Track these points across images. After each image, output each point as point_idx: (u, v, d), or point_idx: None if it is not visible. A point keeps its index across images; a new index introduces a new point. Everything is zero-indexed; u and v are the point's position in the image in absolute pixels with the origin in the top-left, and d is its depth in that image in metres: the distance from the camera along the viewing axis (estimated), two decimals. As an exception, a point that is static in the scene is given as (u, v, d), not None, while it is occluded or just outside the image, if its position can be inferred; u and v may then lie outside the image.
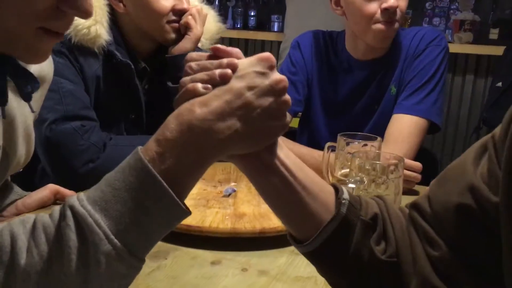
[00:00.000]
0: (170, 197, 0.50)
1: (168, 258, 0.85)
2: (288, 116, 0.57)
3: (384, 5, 1.30)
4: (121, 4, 1.21)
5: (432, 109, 1.34)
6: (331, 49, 1.51)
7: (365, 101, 1.48)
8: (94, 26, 1.15)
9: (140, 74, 1.26)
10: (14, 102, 0.71)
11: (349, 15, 1.39)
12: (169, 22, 1.22)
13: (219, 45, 0.56)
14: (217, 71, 0.53)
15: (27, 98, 0.66)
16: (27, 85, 0.64)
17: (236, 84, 0.53)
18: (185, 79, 0.55)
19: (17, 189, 0.97)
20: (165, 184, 0.49)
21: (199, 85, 0.53)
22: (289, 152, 0.59)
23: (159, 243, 0.87)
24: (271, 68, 0.54)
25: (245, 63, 0.55)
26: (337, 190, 0.60)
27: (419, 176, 1.19)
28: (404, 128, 1.32)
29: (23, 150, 0.77)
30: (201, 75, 0.54)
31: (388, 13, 1.30)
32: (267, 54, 0.55)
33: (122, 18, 1.23)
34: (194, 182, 0.54)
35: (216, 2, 3.64)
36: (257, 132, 0.54)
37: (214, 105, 0.51)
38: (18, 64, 0.63)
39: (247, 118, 0.52)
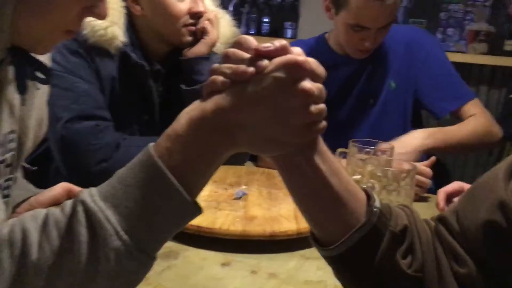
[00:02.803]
0: (180, 194, 0.50)
1: (179, 258, 0.85)
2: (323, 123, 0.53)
3: (364, 44, 1.41)
4: (138, 7, 1.22)
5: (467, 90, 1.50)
6: (315, 49, 1.56)
7: (357, 96, 1.52)
8: (111, 27, 1.16)
9: (155, 76, 1.27)
10: (32, 87, 0.73)
11: (336, 31, 1.50)
12: (185, 25, 1.23)
13: (265, 44, 0.52)
14: (235, 68, 0.51)
15: (45, 82, 0.68)
16: (36, 72, 0.66)
17: (253, 83, 0.51)
18: (215, 66, 0.53)
19: (30, 187, 0.98)
20: (175, 180, 0.49)
21: (219, 79, 0.51)
22: (328, 157, 0.55)
23: (170, 243, 0.89)
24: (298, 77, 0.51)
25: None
26: (369, 197, 0.58)
27: (428, 182, 1.20)
28: (474, 110, 1.44)
29: (34, 133, 0.78)
30: (226, 67, 0.52)
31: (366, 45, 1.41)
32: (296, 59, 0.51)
33: (139, 21, 1.25)
34: (205, 180, 0.53)
35: (230, 8, 3.66)
36: (269, 132, 0.51)
37: (226, 102, 0.50)
38: (30, 55, 0.64)
39: (260, 118, 0.50)
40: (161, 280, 0.78)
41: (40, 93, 0.78)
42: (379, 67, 1.52)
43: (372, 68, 1.52)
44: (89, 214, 0.49)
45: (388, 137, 1.36)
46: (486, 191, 0.53)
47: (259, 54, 0.51)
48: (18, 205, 0.92)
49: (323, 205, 0.56)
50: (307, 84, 0.50)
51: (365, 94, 1.53)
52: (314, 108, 0.51)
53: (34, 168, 1.23)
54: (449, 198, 1.08)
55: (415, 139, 1.33)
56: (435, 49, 1.53)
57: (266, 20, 3.63)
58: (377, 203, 0.57)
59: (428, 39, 1.55)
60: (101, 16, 0.61)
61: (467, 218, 0.54)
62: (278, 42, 0.51)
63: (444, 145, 1.35)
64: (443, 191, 1.08)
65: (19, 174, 0.96)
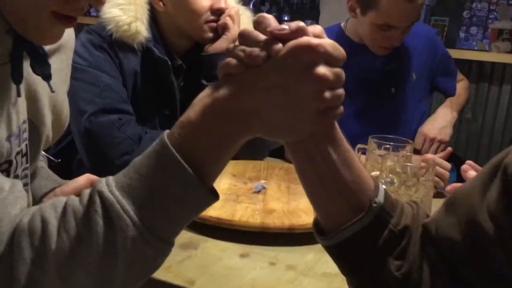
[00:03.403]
0: (194, 181, 0.49)
1: (198, 249, 0.87)
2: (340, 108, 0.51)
3: (390, 42, 1.50)
4: (161, 3, 1.24)
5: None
6: (336, 39, 1.55)
7: (377, 84, 1.58)
8: (134, 23, 1.19)
9: (176, 71, 1.29)
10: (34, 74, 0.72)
11: (359, 29, 1.56)
12: (207, 21, 1.25)
13: (280, 26, 0.49)
14: (248, 51, 0.49)
15: (43, 77, 0.66)
16: (38, 66, 0.65)
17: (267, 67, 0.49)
18: (231, 46, 0.51)
19: (55, 178, 1.01)
20: (188, 167, 0.49)
21: (233, 62, 0.50)
22: (342, 146, 0.54)
23: (190, 234, 0.90)
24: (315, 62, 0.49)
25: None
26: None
27: (447, 174, 1.25)
28: (460, 76, 1.82)
29: (50, 120, 0.77)
30: (240, 49, 0.50)
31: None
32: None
33: (162, 16, 1.27)
34: (221, 167, 0.53)
35: (251, 6, 3.67)
36: (282, 118, 0.50)
37: (239, 88, 0.49)
38: (33, 45, 0.64)
39: (273, 104, 0.49)
40: (181, 269, 0.79)
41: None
42: (402, 60, 1.60)
43: (393, 61, 1.58)
44: (106, 204, 0.50)
45: (406, 124, 1.60)
46: (461, 205, 0.51)
47: (274, 37, 0.49)
48: (44, 195, 0.95)
49: (330, 194, 0.55)
50: (321, 69, 0.48)
51: (386, 83, 1.60)
52: (329, 94, 0.49)
53: (58, 160, 1.26)
54: None
55: (446, 114, 1.61)
56: (442, 44, 1.80)
57: (286, 18, 3.63)
58: (379, 198, 0.54)
59: (438, 37, 1.82)
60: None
61: (441, 231, 0.53)
62: (295, 24, 0.49)
63: (460, 108, 1.70)
64: (453, 185, 1.08)
65: (43, 164, 0.99)
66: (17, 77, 0.62)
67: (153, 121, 1.29)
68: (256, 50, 0.49)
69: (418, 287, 0.54)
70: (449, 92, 1.73)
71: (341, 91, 0.50)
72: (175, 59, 1.29)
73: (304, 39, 0.48)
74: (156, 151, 0.51)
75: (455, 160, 1.55)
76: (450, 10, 3.04)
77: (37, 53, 0.65)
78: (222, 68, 0.51)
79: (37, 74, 0.66)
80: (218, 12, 1.25)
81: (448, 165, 1.24)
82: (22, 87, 0.65)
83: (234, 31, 1.27)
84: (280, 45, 0.49)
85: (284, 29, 0.49)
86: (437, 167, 1.21)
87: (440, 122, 1.59)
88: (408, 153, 1.07)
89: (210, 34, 1.27)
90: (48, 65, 0.66)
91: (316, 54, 0.48)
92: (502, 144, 2.88)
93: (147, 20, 1.23)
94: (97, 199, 0.50)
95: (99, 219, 0.49)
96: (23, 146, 0.69)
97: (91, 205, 0.50)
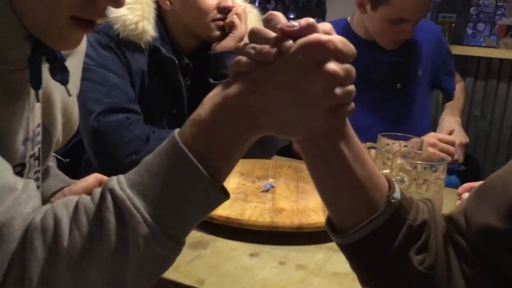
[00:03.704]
0: (205, 179, 0.49)
1: (208, 248, 0.86)
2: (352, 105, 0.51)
3: (402, 35, 1.51)
4: (167, 2, 1.24)
5: None
6: (342, 33, 1.57)
7: (383, 79, 1.59)
8: (141, 22, 1.18)
9: (184, 70, 1.29)
10: (50, 78, 0.71)
11: (368, 24, 1.56)
12: (214, 20, 1.24)
13: (290, 23, 0.49)
14: (259, 49, 0.49)
15: (62, 83, 0.67)
16: (57, 72, 0.65)
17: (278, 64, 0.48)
18: (241, 44, 0.51)
19: (64, 177, 1.01)
20: (200, 166, 0.49)
21: (244, 60, 0.50)
22: (354, 143, 0.53)
23: (200, 233, 0.90)
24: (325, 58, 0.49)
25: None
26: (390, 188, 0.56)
27: (452, 149, 1.36)
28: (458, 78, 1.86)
29: (61, 124, 0.78)
30: (250, 47, 0.50)
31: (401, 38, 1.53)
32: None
33: (168, 15, 1.26)
34: (232, 165, 0.53)
35: (256, 4, 3.66)
36: (292, 116, 0.49)
37: (249, 86, 0.49)
38: (52, 51, 0.63)
39: (284, 101, 0.49)
40: (191, 269, 0.79)
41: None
42: (409, 55, 1.62)
43: (400, 56, 1.59)
44: (118, 202, 0.50)
45: (411, 120, 1.62)
46: (496, 193, 0.51)
47: (285, 34, 0.49)
48: (52, 194, 0.95)
49: (343, 192, 0.54)
50: (331, 65, 0.48)
51: (391, 79, 1.60)
52: (340, 90, 0.48)
53: (66, 160, 1.26)
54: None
55: (454, 119, 1.63)
56: (446, 42, 1.84)
57: (292, 16, 3.63)
58: (396, 194, 0.54)
59: (443, 34, 1.84)
60: (115, 2, 0.57)
61: (475, 220, 0.52)
62: (305, 21, 0.49)
63: (460, 112, 1.73)
64: (469, 184, 1.07)
65: (52, 164, 0.99)
66: (36, 83, 0.63)
67: (160, 121, 1.29)
68: (266, 47, 0.49)
69: (446, 280, 0.53)
70: (450, 92, 1.77)
71: (351, 87, 0.50)
72: (182, 58, 1.28)
73: (314, 36, 0.48)
74: (167, 149, 0.51)
75: (464, 158, 1.56)
76: (457, 7, 3.02)
77: (56, 58, 0.65)
78: (233, 66, 0.51)
79: (57, 81, 0.66)
80: (225, 10, 1.25)
81: (452, 138, 1.32)
82: (40, 91, 0.66)
83: (241, 29, 1.26)
84: (290, 42, 0.48)
85: (294, 26, 0.48)
86: (443, 144, 1.35)
87: (452, 127, 1.58)
88: (418, 151, 1.06)
89: (217, 33, 1.26)
90: (67, 71, 0.66)
91: (326, 51, 0.48)
92: (511, 141, 2.86)
93: (154, 19, 1.22)
94: (109, 197, 0.50)
95: (111, 216, 0.50)
96: (36, 149, 0.69)
97: (102, 202, 0.51)
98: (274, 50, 0.48)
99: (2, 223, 0.50)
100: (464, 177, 1.30)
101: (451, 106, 1.73)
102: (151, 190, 0.50)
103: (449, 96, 1.78)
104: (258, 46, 0.49)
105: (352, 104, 0.51)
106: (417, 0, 1.42)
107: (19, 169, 0.65)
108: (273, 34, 0.50)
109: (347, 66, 0.49)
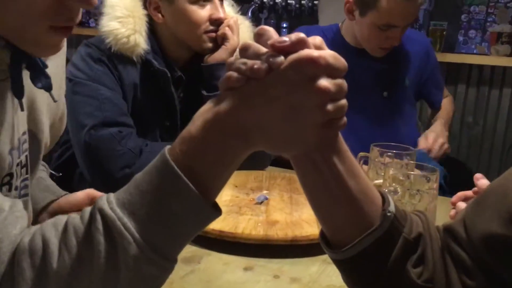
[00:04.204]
0: (196, 197, 0.49)
1: (202, 263, 0.86)
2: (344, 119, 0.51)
3: (390, 42, 1.52)
4: (159, 15, 1.24)
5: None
6: (332, 39, 1.64)
7: (370, 88, 1.60)
8: (133, 35, 1.18)
9: (176, 82, 1.29)
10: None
11: (357, 31, 1.57)
12: (206, 32, 1.25)
13: (281, 39, 0.48)
14: (250, 64, 0.48)
15: (45, 89, 0.65)
16: (38, 79, 0.64)
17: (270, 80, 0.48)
18: (232, 59, 0.50)
19: (55, 189, 0.98)
20: (190, 184, 0.48)
21: (234, 76, 0.49)
22: (347, 157, 0.53)
23: (193, 247, 0.89)
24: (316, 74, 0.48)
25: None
26: (384, 201, 0.55)
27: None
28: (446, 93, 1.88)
29: (48, 126, 0.77)
30: (241, 62, 0.49)
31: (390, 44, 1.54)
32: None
33: (160, 28, 1.26)
34: (223, 181, 0.52)
35: (249, 14, 3.67)
36: (284, 132, 0.49)
37: (240, 102, 0.49)
38: (32, 58, 0.63)
39: (276, 117, 0.48)
40: (184, 284, 0.78)
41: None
42: (397, 64, 1.64)
43: (388, 64, 1.61)
44: (107, 222, 0.49)
45: (397, 127, 1.64)
46: (497, 201, 0.51)
47: (276, 49, 0.48)
48: (43, 209, 0.94)
49: (337, 206, 0.54)
50: (322, 82, 0.47)
51: (378, 87, 1.62)
52: (332, 106, 0.48)
53: (59, 174, 1.25)
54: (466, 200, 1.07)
55: (442, 131, 1.61)
56: (434, 54, 1.81)
57: (284, 25, 3.64)
58: (391, 208, 0.54)
59: (431, 47, 1.81)
60: (85, 1, 0.56)
61: (476, 229, 0.52)
62: (295, 36, 0.48)
63: (448, 125, 1.74)
64: (462, 192, 1.07)
65: (44, 174, 0.98)
66: (19, 92, 0.62)
67: (153, 133, 1.29)
68: (257, 63, 0.48)
69: None
70: (436, 105, 1.80)
71: (343, 102, 0.50)
72: (175, 70, 1.28)
73: (305, 52, 0.48)
74: (157, 167, 0.50)
75: (456, 165, 1.57)
76: (449, 14, 3.04)
77: (36, 65, 0.64)
78: (224, 82, 0.50)
79: (39, 88, 0.65)
80: (217, 23, 1.25)
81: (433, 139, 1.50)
82: (23, 99, 0.65)
83: (233, 41, 1.26)
84: (281, 58, 0.48)
85: (284, 41, 0.48)
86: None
87: (438, 136, 1.58)
88: (411, 161, 1.06)
89: (210, 45, 1.26)
90: (48, 77, 0.65)
91: (317, 67, 0.48)
92: (504, 147, 2.87)
93: (146, 32, 1.22)
94: (98, 217, 0.50)
95: (101, 237, 0.49)
96: (22, 157, 0.68)
97: (92, 223, 0.50)
98: (265, 66, 0.48)
99: None
100: (457, 184, 1.29)
101: (440, 118, 1.74)
102: (141, 209, 0.49)
103: (435, 109, 1.81)
104: (249, 61, 0.49)
105: (344, 119, 0.51)
106: (405, 5, 1.43)
107: (8, 179, 0.64)
108: (264, 50, 0.49)
109: (339, 81, 0.49)
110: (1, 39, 0.58)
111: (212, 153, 0.50)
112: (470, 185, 1.39)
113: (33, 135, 0.72)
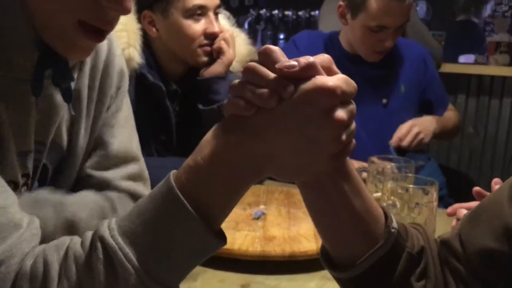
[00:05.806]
0: (201, 228, 0.47)
1: (198, 280, 0.84)
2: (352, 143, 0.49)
3: (383, 44, 1.51)
4: (154, 29, 1.24)
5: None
6: (329, 45, 1.64)
7: (368, 95, 1.58)
8: (127, 49, 1.18)
9: (171, 96, 1.28)
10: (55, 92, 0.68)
11: (351, 36, 1.57)
12: (201, 46, 1.24)
13: (289, 63, 0.46)
14: (259, 94, 0.45)
15: (66, 99, 0.65)
16: (62, 83, 0.64)
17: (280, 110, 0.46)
18: (236, 83, 0.47)
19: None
20: (195, 214, 0.47)
21: (242, 104, 0.46)
22: (353, 177, 0.53)
23: (188, 265, 0.87)
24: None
25: None
26: (386, 217, 0.55)
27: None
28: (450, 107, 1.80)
29: (85, 137, 0.74)
30: (248, 90, 0.46)
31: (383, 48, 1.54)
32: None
33: (155, 42, 1.26)
34: (229, 210, 0.51)
35: (246, 26, 3.69)
36: (301, 161, 0.48)
37: (251, 133, 0.47)
38: (61, 62, 0.63)
39: (288, 148, 0.47)
40: (179, 304, 0.76)
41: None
42: (392, 70, 1.63)
43: (384, 70, 1.61)
44: (108, 252, 0.48)
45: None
46: (491, 215, 0.51)
47: (284, 75, 0.45)
48: None
49: (343, 226, 0.54)
50: (339, 113, 0.45)
51: (377, 94, 1.61)
52: (345, 135, 0.47)
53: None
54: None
55: (431, 123, 1.57)
56: (434, 68, 1.77)
57: (281, 36, 3.65)
58: (394, 224, 0.54)
59: (431, 60, 1.77)
60: (119, 4, 0.56)
61: (472, 244, 0.52)
62: (304, 60, 0.45)
63: (442, 130, 1.62)
64: (459, 204, 1.05)
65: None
66: (37, 90, 0.62)
67: (149, 147, 1.28)
68: (266, 92, 0.45)
69: None
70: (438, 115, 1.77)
71: (353, 126, 0.48)
72: (170, 84, 1.28)
73: (318, 82, 0.45)
74: (162, 195, 0.49)
75: (454, 175, 1.55)
76: (446, 24, 3.05)
77: (62, 74, 0.64)
78: (230, 108, 0.47)
79: (59, 89, 0.65)
80: (211, 37, 1.25)
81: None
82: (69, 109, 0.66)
83: (229, 54, 1.26)
84: (292, 88, 0.45)
85: (293, 66, 0.45)
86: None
87: (422, 126, 1.53)
88: (410, 174, 1.04)
89: (205, 58, 1.26)
90: (70, 82, 0.65)
91: (333, 98, 0.45)
92: (505, 157, 2.86)
93: (140, 46, 1.22)
94: (99, 246, 0.49)
95: (101, 266, 0.48)
96: (44, 160, 0.69)
97: (93, 251, 0.49)
98: (275, 96, 0.45)
99: (3, 261, 0.50)
100: (458, 195, 1.28)
101: (438, 116, 1.71)
102: (144, 239, 0.48)
103: None
104: (258, 90, 0.46)
105: (354, 142, 0.50)
106: (392, 7, 1.43)
107: (24, 180, 0.65)
108: (272, 75, 0.46)
109: (351, 107, 0.47)
110: (33, 31, 0.58)
111: (219, 183, 0.48)
112: (471, 196, 1.38)
113: (56, 143, 0.71)
